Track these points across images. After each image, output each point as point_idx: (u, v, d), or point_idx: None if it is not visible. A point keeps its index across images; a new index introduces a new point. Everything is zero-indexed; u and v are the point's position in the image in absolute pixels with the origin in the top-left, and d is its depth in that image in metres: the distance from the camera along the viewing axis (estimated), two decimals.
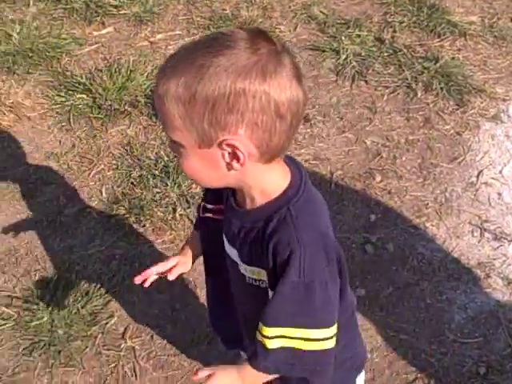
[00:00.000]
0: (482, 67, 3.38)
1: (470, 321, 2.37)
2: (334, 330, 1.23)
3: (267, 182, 1.19)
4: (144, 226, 2.61)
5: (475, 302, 2.43)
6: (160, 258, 2.52)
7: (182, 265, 1.56)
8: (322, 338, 1.21)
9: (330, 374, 1.29)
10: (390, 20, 3.64)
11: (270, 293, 1.25)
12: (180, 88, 1.05)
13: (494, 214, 2.72)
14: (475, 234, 2.65)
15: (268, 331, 1.20)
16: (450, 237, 2.64)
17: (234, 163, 1.12)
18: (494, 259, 2.56)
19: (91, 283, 2.41)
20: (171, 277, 1.50)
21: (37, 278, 2.46)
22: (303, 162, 2.88)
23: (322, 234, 1.20)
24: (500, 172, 2.87)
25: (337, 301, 1.23)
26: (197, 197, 2.68)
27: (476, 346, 2.30)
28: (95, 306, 2.34)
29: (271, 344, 1.21)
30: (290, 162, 1.25)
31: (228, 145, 1.09)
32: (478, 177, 2.86)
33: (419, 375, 2.23)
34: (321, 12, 3.72)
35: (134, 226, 2.61)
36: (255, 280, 1.29)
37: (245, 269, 1.29)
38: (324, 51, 3.45)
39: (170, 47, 3.49)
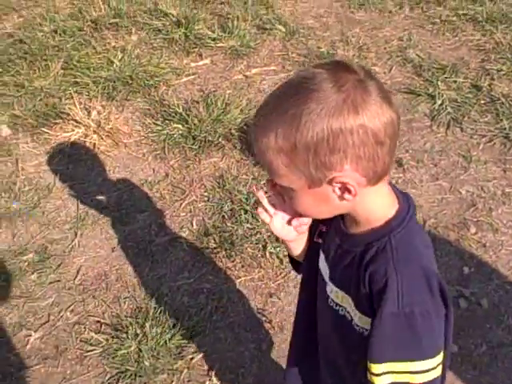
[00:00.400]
0: None
1: None
2: (439, 359, 1.18)
3: (374, 209, 1.19)
4: (233, 261, 2.60)
5: None
6: (249, 295, 2.51)
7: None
8: (427, 369, 1.17)
9: None
10: (487, 67, 3.57)
11: (356, 319, 1.23)
12: (279, 140, 1.08)
13: None
14: None
15: (374, 368, 1.17)
16: None
17: (346, 195, 1.13)
18: None
19: (179, 316, 2.41)
20: (295, 222, 1.35)
21: (126, 305, 2.48)
22: None
23: (423, 268, 1.17)
24: None
25: (442, 333, 1.20)
26: None
27: None
28: (182, 339, 2.34)
29: (380, 381, 1.18)
30: (401, 193, 1.25)
31: (337, 182, 1.11)
32: None
33: None
34: (417, 55, 3.68)
35: (224, 260, 2.61)
36: (336, 304, 1.28)
37: (331, 289, 1.29)
38: (419, 95, 3.41)
39: (264, 82, 3.52)
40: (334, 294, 1.29)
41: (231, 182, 2.94)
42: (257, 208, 1.35)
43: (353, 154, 1.08)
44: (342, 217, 1.26)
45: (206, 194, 2.92)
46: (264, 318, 2.43)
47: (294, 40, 3.81)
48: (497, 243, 2.71)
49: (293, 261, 1.51)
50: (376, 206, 1.19)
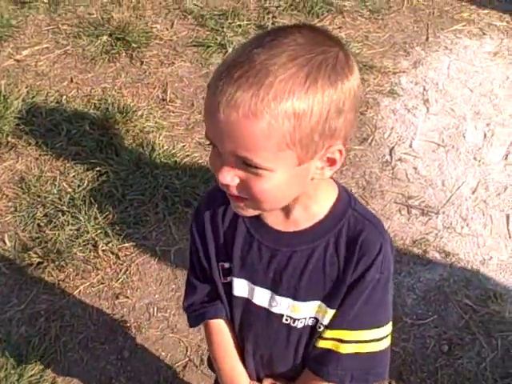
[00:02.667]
0: (366, 43, 3.38)
1: (420, 301, 2.37)
2: (390, 326, 1.18)
3: (326, 189, 1.10)
4: (65, 271, 2.32)
5: (421, 281, 2.43)
6: (93, 303, 2.26)
7: None
8: (385, 336, 1.16)
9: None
10: (266, 5, 3.53)
11: (324, 320, 1.14)
12: (295, 103, 0.90)
13: (414, 189, 2.72)
14: (403, 213, 2.64)
15: (347, 335, 1.13)
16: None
17: (327, 169, 1.01)
18: (427, 234, 2.56)
19: (21, 350, 2.11)
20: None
21: None
22: None
23: (385, 229, 1.15)
24: (410, 146, 2.89)
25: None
26: (117, 227, 2.43)
27: (433, 324, 2.30)
28: (33, 375, 2.04)
29: (345, 349, 1.14)
30: None
31: (331, 152, 0.98)
32: (391, 154, 2.85)
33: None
34: (194, 5, 3.52)
35: (54, 273, 2.32)
36: (294, 320, 1.16)
37: (287, 304, 1.15)
38: (209, 46, 3.28)
39: (40, 63, 3.14)
40: (291, 307, 1.15)
41: (36, 184, 2.59)
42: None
43: (349, 119, 0.96)
44: (265, 224, 1.12)
45: (10, 204, 2.54)
46: (117, 323, 2.21)
47: (60, 10, 3.44)
48: None
49: None
50: (331, 184, 1.11)
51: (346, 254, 1.10)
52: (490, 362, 2.18)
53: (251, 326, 1.21)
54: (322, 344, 1.16)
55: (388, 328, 1.16)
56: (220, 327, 1.26)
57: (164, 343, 2.17)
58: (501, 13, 3.53)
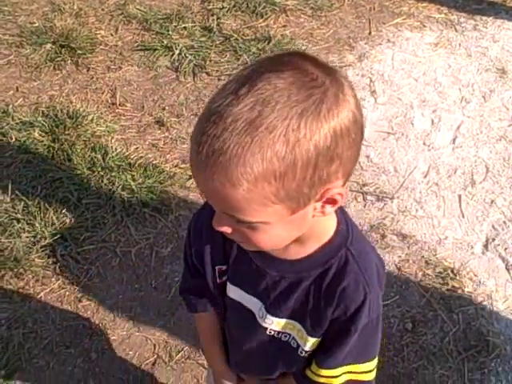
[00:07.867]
0: (311, 39, 3.44)
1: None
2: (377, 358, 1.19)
3: (329, 220, 1.04)
4: (24, 279, 2.26)
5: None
6: (55, 308, 2.21)
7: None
8: (374, 367, 1.18)
9: None
10: (210, 7, 3.55)
11: (306, 346, 1.14)
12: (273, 162, 0.82)
13: (368, 176, 2.77)
14: (359, 200, 2.69)
15: (335, 372, 1.14)
16: None
17: (328, 208, 0.94)
18: (384, 219, 2.61)
19: None
20: None
21: None
22: (173, 167, 2.71)
23: (379, 275, 1.10)
24: None
25: None
26: (75, 231, 2.39)
27: (396, 305, 2.34)
28: None
29: (339, 381, 1.15)
30: None
31: (328, 196, 0.91)
32: None
33: None
34: (138, 9, 3.51)
35: (13, 281, 2.26)
36: (278, 332, 1.16)
37: (271, 321, 1.14)
38: (155, 50, 3.27)
39: None
40: (277, 324, 1.14)
41: None
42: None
43: (346, 158, 0.87)
44: None
45: None
46: (81, 326, 2.17)
47: (0, 21, 3.38)
48: None
49: None
50: (331, 216, 1.03)
51: (328, 294, 1.07)
52: (453, 336, 2.23)
53: (239, 326, 1.23)
54: (315, 378, 1.17)
55: (376, 360, 1.17)
56: (212, 318, 1.32)
57: (131, 342, 2.14)
58: (438, 5, 3.65)
